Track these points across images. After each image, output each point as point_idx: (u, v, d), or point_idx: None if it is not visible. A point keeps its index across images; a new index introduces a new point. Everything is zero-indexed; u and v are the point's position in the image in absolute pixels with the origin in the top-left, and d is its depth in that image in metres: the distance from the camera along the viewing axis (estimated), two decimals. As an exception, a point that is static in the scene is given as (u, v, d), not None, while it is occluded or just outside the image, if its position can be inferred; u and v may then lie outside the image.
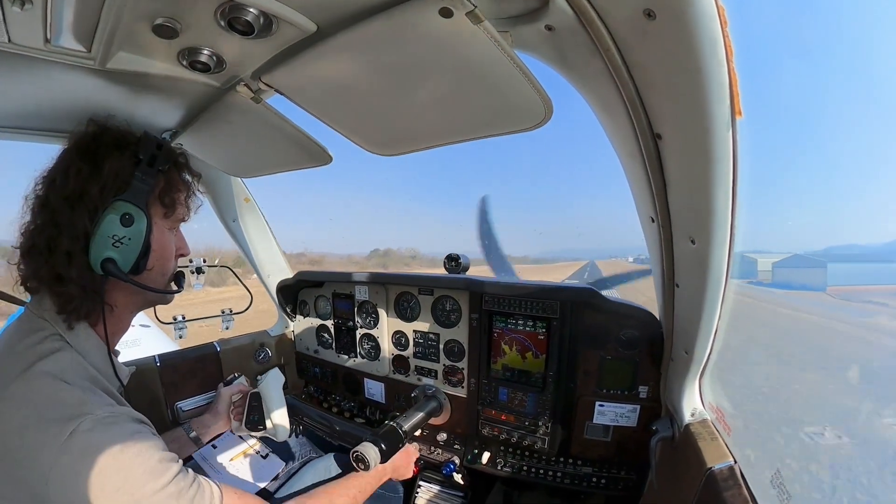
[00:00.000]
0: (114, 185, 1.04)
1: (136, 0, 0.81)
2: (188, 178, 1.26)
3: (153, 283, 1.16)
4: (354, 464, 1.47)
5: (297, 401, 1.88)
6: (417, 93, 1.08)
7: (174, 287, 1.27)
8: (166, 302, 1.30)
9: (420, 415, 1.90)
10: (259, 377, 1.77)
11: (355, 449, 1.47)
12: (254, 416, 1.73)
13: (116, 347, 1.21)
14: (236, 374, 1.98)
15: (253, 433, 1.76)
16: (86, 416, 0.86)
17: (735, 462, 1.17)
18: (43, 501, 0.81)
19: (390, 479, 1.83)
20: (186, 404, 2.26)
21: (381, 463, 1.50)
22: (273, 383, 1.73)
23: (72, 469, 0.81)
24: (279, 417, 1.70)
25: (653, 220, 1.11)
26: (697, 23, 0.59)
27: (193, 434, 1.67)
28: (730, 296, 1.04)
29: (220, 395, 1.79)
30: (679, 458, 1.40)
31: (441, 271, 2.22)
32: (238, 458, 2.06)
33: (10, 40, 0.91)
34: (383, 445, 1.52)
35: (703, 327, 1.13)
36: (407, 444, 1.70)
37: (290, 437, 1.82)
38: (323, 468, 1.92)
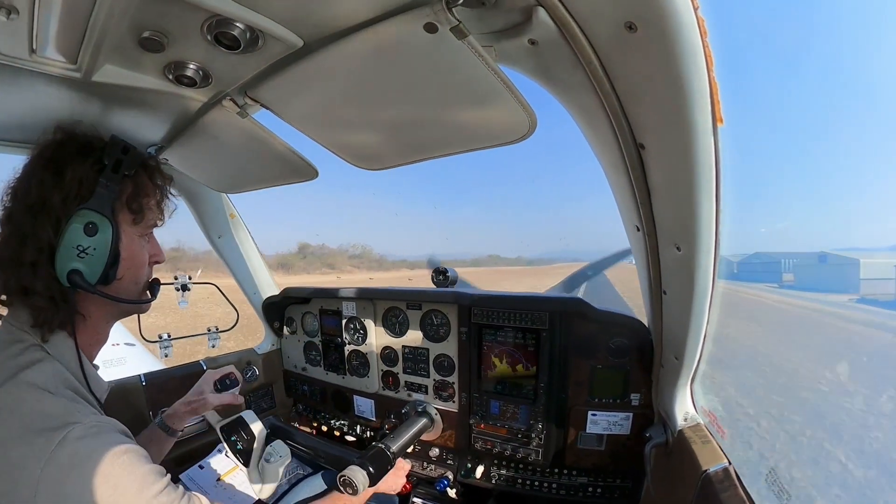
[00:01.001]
0: (77, 193, 1.00)
1: (123, 13, 0.80)
2: (159, 181, 1.20)
3: (125, 292, 1.12)
4: (342, 488, 1.42)
5: (281, 422, 1.82)
6: (403, 107, 1.09)
7: (148, 295, 1.22)
8: (143, 310, 1.25)
9: (409, 434, 1.87)
10: (269, 454, 1.64)
11: (342, 473, 1.43)
12: (236, 441, 1.66)
13: (97, 362, 1.16)
14: (231, 378, 1.78)
15: (230, 451, 1.69)
16: (74, 424, 0.84)
17: (730, 463, 1.18)
18: None
19: (382, 494, 1.79)
20: None
21: (369, 486, 1.46)
22: (278, 470, 1.66)
23: (62, 478, 0.79)
24: (271, 486, 1.65)
25: (638, 229, 1.13)
26: (678, 34, 0.61)
27: (166, 425, 1.59)
28: (717, 300, 1.05)
29: (207, 402, 1.66)
30: (674, 464, 1.41)
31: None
32: (225, 478, 2.01)
33: None
34: (371, 468, 1.48)
35: (692, 333, 1.15)
36: (396, 461, 1.67)
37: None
38: (316, 486, 1.88)
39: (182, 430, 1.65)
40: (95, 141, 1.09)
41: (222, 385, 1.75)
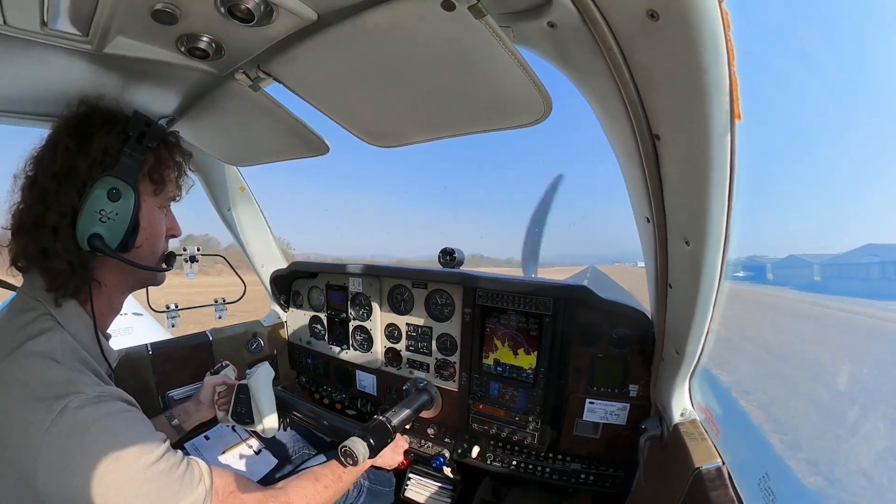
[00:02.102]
0: (102, 160, 1.03)
1: None
2: (178, 155, 1.24)
3: (142, 261, 1.15)
4: (342, 459, 1.46)
5: (286, 393, 1.86)
6: (417, 85, 1.08)
7: (164, 267, 1.26)
8: (157, 282, 1.28)
9: (410, 409, 1.90)
10: (249, 371, 1.71)
11: (343, 444, 1.46)
12: (241, 409, 1.70)
13: (108, 331, 1.20)
14: (223, 363, 1.91)
15: (239, 425, 1.74)
16: (75, 394, 0.86)
17: (723, 463, 1.19)
18: (31, 481, 0.81)
19: (382, 471, 1.83)
20: (178, 393, 2.25)
21: (369, 458, 1.49)
22: (263, 380, 1.68)
23: (61, 447, 0.82)
24: (268, 415, 1.66)
25: (648, 221, 1.12)
26: (700, 25, 0.59)
27: (175, 422, 1.65)
28: (722, 298, 1.04)
29: (205, 386, 1.75)
30: (667, 458, 1.42)
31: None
32: (230, 452, 2.06)
33: (5, 22, 0.89)
34: (372, 441, 1.51)
35: (695, 328, 1.14)
36: (396, 434, 1.70)
37: (278, 431, 1.78)
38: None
39: (188, 430, 1.70)
40: (119, 114, 1.12)
41: (215, 372, 1.83)
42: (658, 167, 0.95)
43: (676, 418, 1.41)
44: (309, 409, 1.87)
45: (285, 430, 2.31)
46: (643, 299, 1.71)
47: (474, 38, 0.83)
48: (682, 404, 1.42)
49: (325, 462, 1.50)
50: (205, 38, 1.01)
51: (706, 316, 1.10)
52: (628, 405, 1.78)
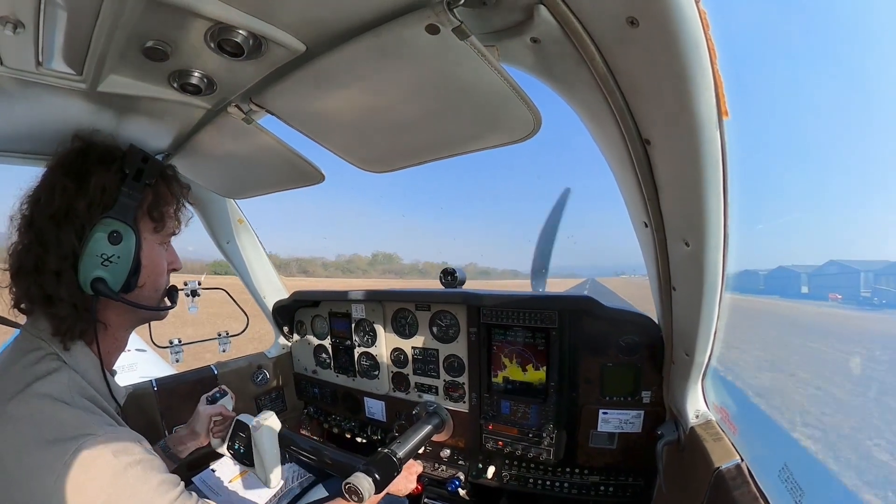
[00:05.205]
0: (100, 201, 1.01)
1: (127, 23, 0.81)
2: (177, 190, 1.23)
3: (146, 299, 1.14)
4: (347, 496, 1.41)
5: (286, 429, 1.80)
6: (407, 109, 1.09)
7: (167, 303, 1.24)
8: (161, 318, 1.27)
9: (417, 438, 1.84)
10: (255, 423, 1.64)
11: (347, 480, 1.42)
12: (239, 447, 1.66)
13: (114, 367, 1.18)
14: (222, 390, 1.85)
15: (236, 461, 1.69)
16: (88, 436, 0.84)
17: (742, 460, 1.16)
18: None
19: (395, 497, 1.79)
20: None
21: (375, 493, 1.44)
22: (268, 435, 1.63)
23: (76, 489, 0.80)
24: (273, 470, 1.63)
25: (646, 225, 1.12)
26: (680, 28, 0.61)
27: (170, 451, 1.61)
28: (727, 296, 1.04)
29: (199, 415, 1.69)
30: (686, 461, 1.39)
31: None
32: (236, 480, 2.03)
33: (1, 63, 0.91)
34: (377, 475, 1.46)
35: (703, 329, 1.13)
36: (403, 467, 1.64)
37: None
38: (322, 496, 1.88)
39: (182, 458, 1.67)
40: (114, 150, 1.10)
41: (212, 399, 1.78)
42: (651, 171, 0.96)
43: (692, 420, 1.39)
44: (310, 445, 1.82)
45: (283, 464, 2.26)
46: (650, 311, 1.70)
47: (460, 59, 0.84)
48: (697, 406, 1.40)
49: (328, 497, 1.45)
50: (196, 74, 1.03)
51: (713, 315, 1.09)
52: (642, 412, 1.76)
